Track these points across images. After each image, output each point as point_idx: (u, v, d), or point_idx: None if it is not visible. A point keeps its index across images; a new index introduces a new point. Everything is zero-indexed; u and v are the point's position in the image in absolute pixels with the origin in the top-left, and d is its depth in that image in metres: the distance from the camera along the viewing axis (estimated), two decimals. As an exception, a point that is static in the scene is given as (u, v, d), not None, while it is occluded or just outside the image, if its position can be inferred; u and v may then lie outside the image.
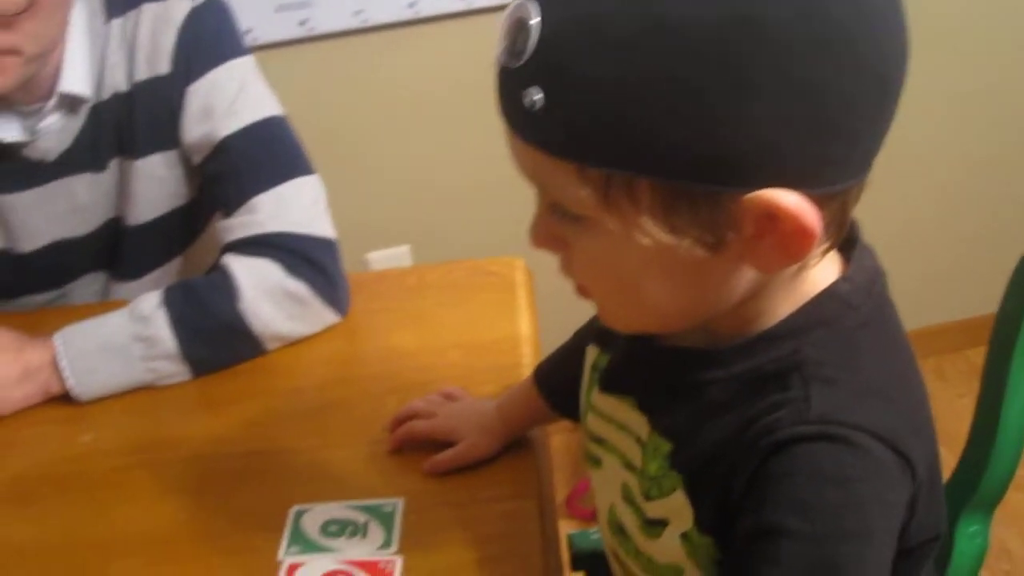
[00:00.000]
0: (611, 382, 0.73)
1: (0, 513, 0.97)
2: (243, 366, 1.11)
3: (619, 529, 0.72)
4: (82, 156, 1.18)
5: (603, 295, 0.64)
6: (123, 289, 1.32)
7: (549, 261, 0.65)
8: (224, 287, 1.09)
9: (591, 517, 1.85)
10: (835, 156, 0.55)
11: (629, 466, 0.70)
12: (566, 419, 0.93)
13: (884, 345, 0.65)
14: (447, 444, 0.94)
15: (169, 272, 1.33)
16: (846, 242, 0.64)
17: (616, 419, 0.71)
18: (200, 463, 0.99)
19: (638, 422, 0.69)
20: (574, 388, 0.88)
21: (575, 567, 1.10)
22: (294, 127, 1.20)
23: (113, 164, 1.20)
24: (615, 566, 0.77)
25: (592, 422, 0.74)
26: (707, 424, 0.62)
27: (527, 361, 1.07)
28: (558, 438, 1.01)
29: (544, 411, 0.94)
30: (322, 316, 1.14)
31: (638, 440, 0.69)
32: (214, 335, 1.09)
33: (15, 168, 1.16)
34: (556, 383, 0.93)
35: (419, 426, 0.96)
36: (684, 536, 0.64)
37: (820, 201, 0.56)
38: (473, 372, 1.06)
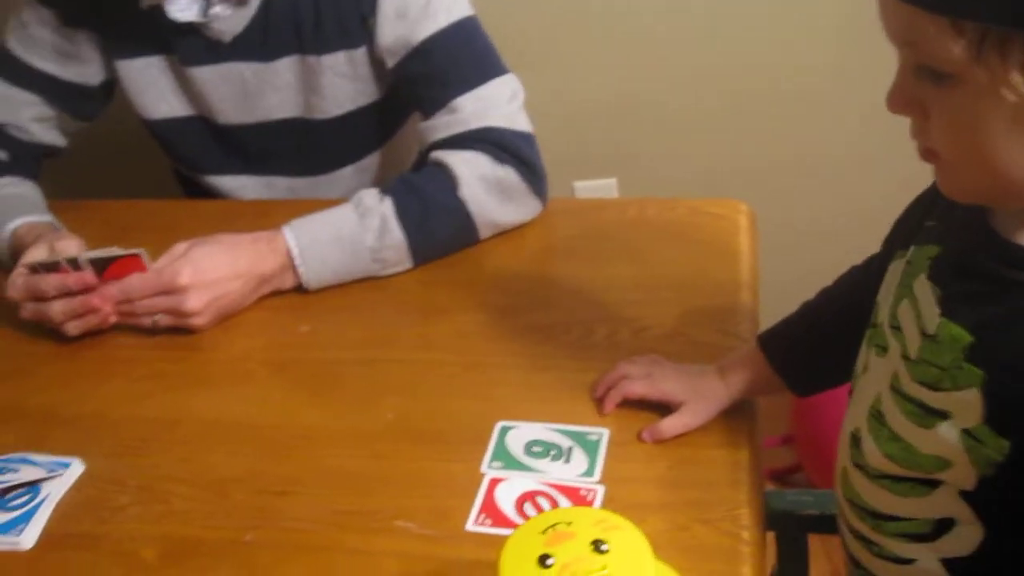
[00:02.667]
0: (939, 270, 0.71)
1: (220, 389, 1.03)
2: (460, 278, 1.13)
3: (878, 415, 0.73)
4: (251, 43, 1.24)
5: (953, 157, 0.63)
6: (320, 182, 1.37)
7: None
8: (443, 177, 1.14)
9: (766, 476, 1.81)
10: None
11: (904, 355, 0.70)
12: (787, 386, 0.91)
13: None
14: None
15: (366, 169, 1.38)
16: None
17: (919, 307, 0.70)
18: (411, 366, 1.01)
19: (930, 312, 0.69)
20: (801, 354, 0.89)
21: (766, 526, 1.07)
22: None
23: (289, 61, 1.25)
24: (845, 451, 0.77)
25: (903, 309, 0.73)
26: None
27: (745, 308, 1.03)
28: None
29: (767, 378, 0.91)
30: (528, 204, 1.18)
31: (922, 331, 0.69)
32: (437, 223, 1.14)
33: (199, 44, 1.24)
34: (784, 346, 0.91)
35: (635, 387, 0.92)
36: (966, 432, 0.64)
37: None
38: (687, 313, 1.03)
